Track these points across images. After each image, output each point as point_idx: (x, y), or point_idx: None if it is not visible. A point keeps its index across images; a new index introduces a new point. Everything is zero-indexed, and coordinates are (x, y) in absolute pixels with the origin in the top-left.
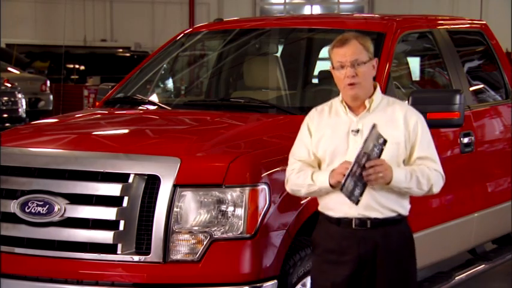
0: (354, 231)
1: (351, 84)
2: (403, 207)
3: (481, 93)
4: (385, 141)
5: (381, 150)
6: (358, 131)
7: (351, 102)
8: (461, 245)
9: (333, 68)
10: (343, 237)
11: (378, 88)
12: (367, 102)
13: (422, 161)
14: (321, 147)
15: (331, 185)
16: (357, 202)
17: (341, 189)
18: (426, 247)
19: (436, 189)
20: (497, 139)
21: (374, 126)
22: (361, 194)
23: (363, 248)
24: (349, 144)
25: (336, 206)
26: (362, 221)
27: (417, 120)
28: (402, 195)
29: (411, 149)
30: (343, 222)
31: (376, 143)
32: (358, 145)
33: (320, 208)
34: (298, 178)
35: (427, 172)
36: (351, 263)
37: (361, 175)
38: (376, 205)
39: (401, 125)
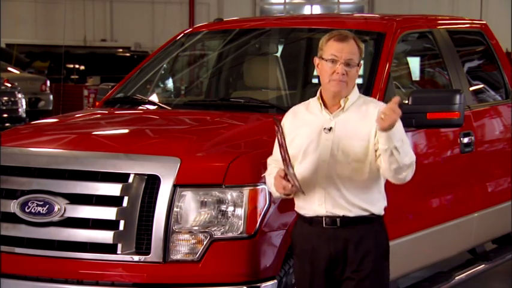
0: (324, 230)
1: (337, 80)
2: (376, 206)
3: (481, 93)
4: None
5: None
6: (330, 129)
7: (330, 99)
8: (461, 245)
9: (321, 58)
10: (315, 237)
11: (356, 88)
12: (342, 102)
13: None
14: (294, 145)
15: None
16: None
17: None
18: (426, 247)
19: (411, 174)
20: (497, 139)
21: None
22: None
23: (334, 247)
24: (320, 142)
25: (306, 204)
26: (332, 220)
27: None
28: (374, 193)
29: None
30: (314, 221)
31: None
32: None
33: (295, 208)
34: (268, 179)
35: (410, 151)
36: (323, 262)
37: None
38: (344, 203)
39: (372, 122)
